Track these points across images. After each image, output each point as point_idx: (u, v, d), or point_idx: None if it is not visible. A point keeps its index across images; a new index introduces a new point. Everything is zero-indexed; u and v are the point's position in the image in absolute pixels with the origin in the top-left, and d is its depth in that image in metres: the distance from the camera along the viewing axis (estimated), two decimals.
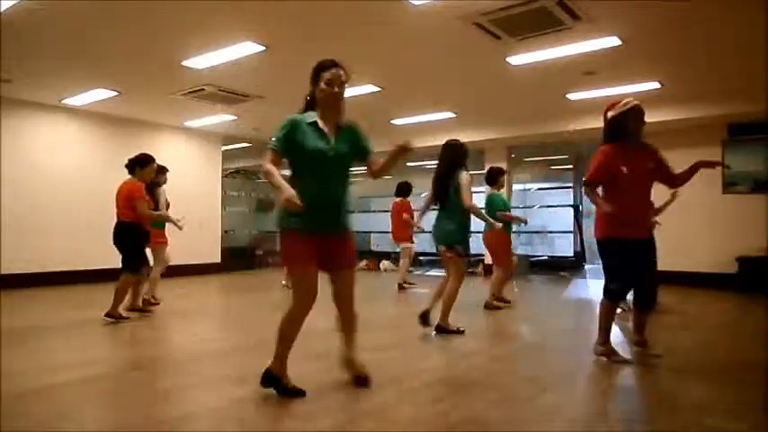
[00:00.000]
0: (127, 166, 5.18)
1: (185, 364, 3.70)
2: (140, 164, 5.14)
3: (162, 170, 5.85)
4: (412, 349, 4.13)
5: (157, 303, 5.76)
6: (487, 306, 5.80)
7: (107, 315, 4.87)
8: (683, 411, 2.67)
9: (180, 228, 5.58)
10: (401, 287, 7.73)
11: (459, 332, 4.40)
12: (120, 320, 4.91)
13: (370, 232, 13.38)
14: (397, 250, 8.64)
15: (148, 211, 5.08)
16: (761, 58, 5.57)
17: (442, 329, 4.40)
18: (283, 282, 7.56)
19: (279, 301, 7.12)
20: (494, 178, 6.12)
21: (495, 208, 5.87)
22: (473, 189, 4.44)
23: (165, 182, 5.94)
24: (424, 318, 4.44)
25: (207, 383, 3.19)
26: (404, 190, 8.13)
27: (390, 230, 8.25)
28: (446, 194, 4.38)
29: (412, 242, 7.99)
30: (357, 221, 13.38)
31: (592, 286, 8.52)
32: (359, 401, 2.74)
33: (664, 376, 3.35)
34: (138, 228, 5.05)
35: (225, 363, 3.72)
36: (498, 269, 6.06)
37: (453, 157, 4.49)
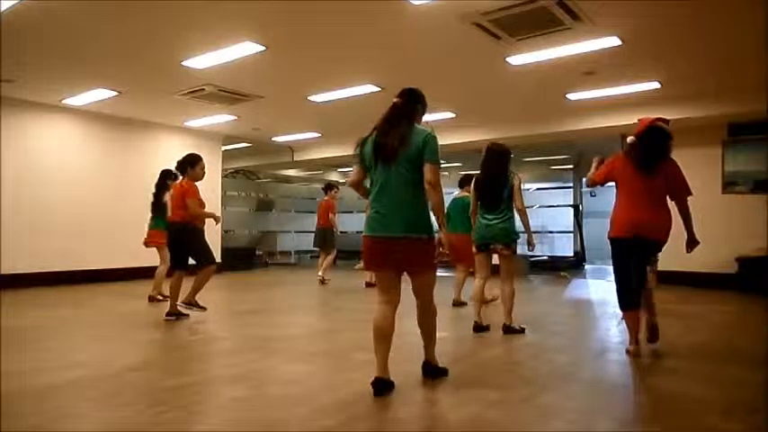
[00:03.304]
0: (177, 168, 5.32)
1: (186, 364, 3.70)
2: (190, 163, 5.25)
3: (170, 176, 6.23)
4: (410, 350, 4.13)
5: (166, 299, 5.88)
6: (455, 304, 5.96)
7: (183, 302, 5.16)
8: (683, 411, 2.67)
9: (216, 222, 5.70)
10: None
11: (522, 330, 4.55)
12: (196, 309, 5.19)
13: None
14: None
15: (199, 209, 5.17)
16: (760, 58, 5.57)
17: (510, 329, 4.51)
18: (320, 274, 8.53)
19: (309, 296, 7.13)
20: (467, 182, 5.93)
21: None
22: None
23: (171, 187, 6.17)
24: (479, 328, 4.58)
25: (207, 383, 3.19)
26: None
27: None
28: (501, 197, 4.50)
29: None
30: (358, 221, 13.52)
31: (592, 286, 8.52)
32: (359, 402, 2.74)
33: (664, 376, 3.35)
34: (192, 226, 5.16)
35: (226, 362, 3.72)
36: (461, 269, 6.08)
37: (506, 161, 4.60)
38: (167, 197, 6.14)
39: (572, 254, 11.24)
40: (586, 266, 11.65)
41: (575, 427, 2.47)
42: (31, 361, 3.60)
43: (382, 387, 2.85)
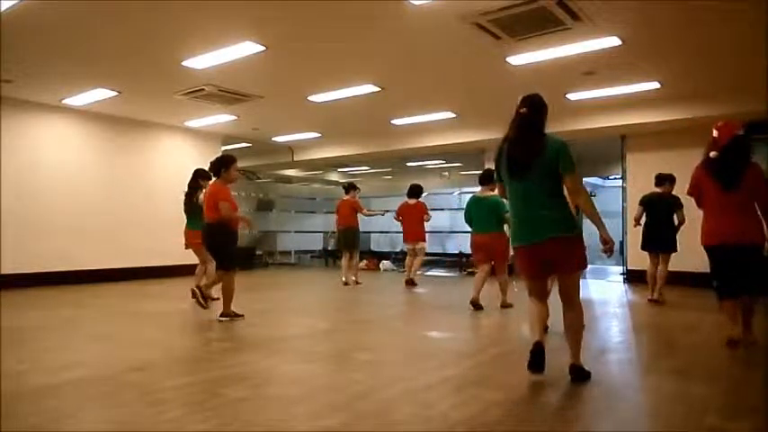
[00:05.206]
0: (210, 169, 5.25)
1: (187, 364, 3.70)
2: (224, 165, 5.18)
3: (204, 175, 6.14)
4: (411, 350, 4.14)
5: (217, 299, 5.72)
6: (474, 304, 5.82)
7: (222, 315, 5.07)
8: (683, 411, 2.67)
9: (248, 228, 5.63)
10: (411, 282, 8.12)
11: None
12: (235, 318, 5.07)
13: (371, 232, 13.39)
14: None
15: (232, 212, 5.09)
16: (761, 58, 5.57)
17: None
18: (353, 278, 8.32)
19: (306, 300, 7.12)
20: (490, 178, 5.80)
21: (504, 209, 5.67)
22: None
23: (206, 186, 6.06)
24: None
25: (208, 383, 3.19)
26: (417, 192, 8.34)
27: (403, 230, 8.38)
28: None
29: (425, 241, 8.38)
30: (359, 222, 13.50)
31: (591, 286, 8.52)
32: (359, 401, 2.74)
33: (664, 376, 3.35)
34: (223, 227, 5.09)
35: (227, 362, 3.72)
36: (483, 269, 5.93)
37: None
38: (201, 196, 6.08)
39: None
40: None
41: (575, 427, 2.47)
42: (31, 361, 3.60)
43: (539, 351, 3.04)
